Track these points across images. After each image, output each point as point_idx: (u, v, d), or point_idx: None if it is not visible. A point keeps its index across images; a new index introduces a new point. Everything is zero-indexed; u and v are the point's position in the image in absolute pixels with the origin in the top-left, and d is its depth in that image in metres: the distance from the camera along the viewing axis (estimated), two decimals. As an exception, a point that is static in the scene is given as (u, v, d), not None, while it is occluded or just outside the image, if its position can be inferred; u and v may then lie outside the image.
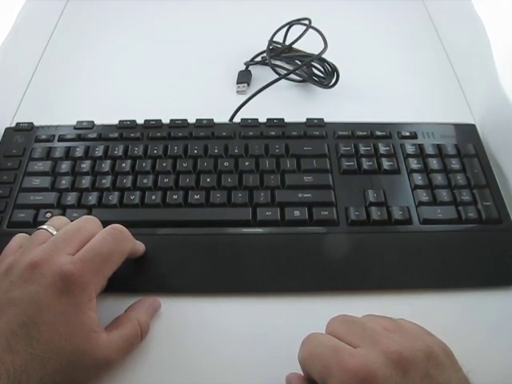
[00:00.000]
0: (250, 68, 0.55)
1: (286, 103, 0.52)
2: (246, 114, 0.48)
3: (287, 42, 0.54)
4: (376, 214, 0.40)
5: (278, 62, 0.54)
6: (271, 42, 0.54)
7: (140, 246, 0.37)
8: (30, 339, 0.27)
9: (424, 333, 0.29)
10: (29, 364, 0.27)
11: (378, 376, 0.25)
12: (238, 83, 0.53)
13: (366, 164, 0.43)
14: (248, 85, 0.53)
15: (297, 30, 0.53)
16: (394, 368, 0.26)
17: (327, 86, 0.51)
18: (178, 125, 0.46)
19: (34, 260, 0.30)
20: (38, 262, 0.30)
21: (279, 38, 0.55)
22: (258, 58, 0.56)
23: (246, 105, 0.48)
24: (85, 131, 0.46)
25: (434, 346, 0.28)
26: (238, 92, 0.53)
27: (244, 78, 0.53)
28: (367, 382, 0.25)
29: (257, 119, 0.46)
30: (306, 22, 0.52)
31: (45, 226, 0.34)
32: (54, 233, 0.33)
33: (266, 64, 0.54)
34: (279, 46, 0.55)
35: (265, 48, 0.54)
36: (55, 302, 0.29)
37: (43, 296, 0.29)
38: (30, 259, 0.30)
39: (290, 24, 0.54)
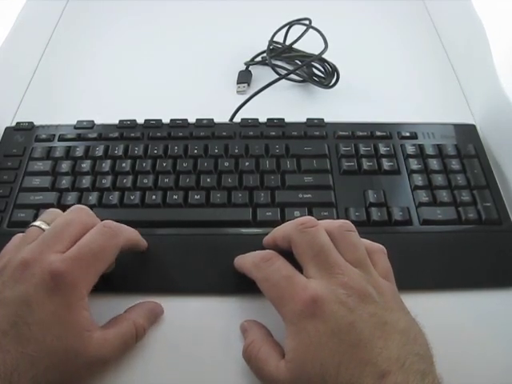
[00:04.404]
0: (250, 68, 0.55)
1: (286, 103, 0.52)
2: (245, 114, 0.48)
3: (287, 42, 0.54)
4: (376, 214, 0.40)
5: (278, 62, 0.54)
6: (271, 42, 0.54)
7: (139, 239, 0.36)
8: (21, 339, 0.27)
9: (385, 275, 0.32)
10: (20, 363, 0.27)
11: (325, 311, 0.28)
12: (238, 83, 0.53)
13: (366, 164, 0.43)
14: (248, 85, 0.53)
15: (297, 30, 0.53)
16: (343, 304, 0.28)
17: (327, 86, 0.51)
18: (178, 125, 0.46)
19: (24, 259, 0.30)
20: (27, 261, 0.30)
21: (279, 38, 0.55)
22: (258, 58, 0.56)
23: (246, 105, 0.48)
24: (85, 131, 0.46)
25: (386, 290, 0.30)
26: (238, 92, 0.53)
27: (244, 78, 0.53)
28: (316, 318, 0.28)
29: (257, 119, 0.46)
30: (306, 22, 0.52)
31: (37, 223, 0.33)
32: (47, 228, 0.32)
33: (266, 64, 0.54)
34: (279, 46, 0.55)
35: (265, 48, 0.54)
36: (46, 301, 0.28)
37: (33, 295, 0.28)
38: (20, 259, 0.30)
39: (290, 24, 0.54)
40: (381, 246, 0.33)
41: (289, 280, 0.30)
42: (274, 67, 0.52)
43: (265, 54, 0.54)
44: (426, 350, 0.28)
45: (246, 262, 0.34)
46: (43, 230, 0.33)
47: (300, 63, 0.52)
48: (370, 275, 0.30)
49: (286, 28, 0.54)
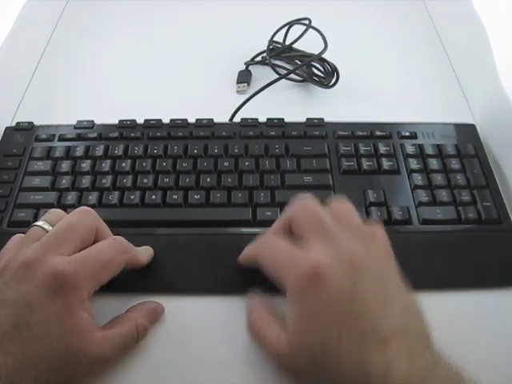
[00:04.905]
0: (250, 68, 0.55)
1: (286, 103, 0.52)
2: (245, 113, 0.48)
3: (287, 42, 0.54)
4: (376, 214, 0.40)
5: (278, 62, 0.54)
6: (271, 41, 0.54)
7: (142, 258, 0.36)
8: (22, 339, 0.27)
9: (383, 249, 0.32)
10: (21, 364, 0.27)
11: (327, 280, 0.28)
12: (237, 83, 0.53)
13: (365, 164, 0.43)
14: (248, 84, 0.53)
15: (297, 30, 0.53)
16: (345, 275, 0.28)
17: (327, 86, 0.51)
18: (178, 124, 0.46)
19: (27, 260, 0.30)
20: (30, 261, 0.30)
21: (279, 38, 0.55)
22: (258, 58, 0.56)
23: (246, 105, 0.48)
24: (85, 131, 0.46)
25: (385, 262, 0.31)
26: (238, 92, 0.53)
27: (244, 77, 0.53)
28: (318, 286, 0.28)
29: (257, 119, 0.46)
30: (306, 21, 0.52)
31: (39, 223, 0.33)
32: (49, 229, 0.33)
33: (266, 64, 0.54)
34: (279, 45, 0.55)
35: (265, 48, 0.54)
36: (47, 301, 0.28)
37: (35, 296, 0.28)
38: (23, 259, 0.30)
39: (290, 24, 0.54)
40: (378, 220, 0.33)
41: (290, 251, 0.31)
42: (273, 67, 0.52)
43: (265, 54, 0.54)
44: (425, 324, 0.29)
45: (248, 250, 0.35)
46: (45, 230, 0.33)
47: (300, 63, 0.52)
48: (370, 247, 0.31)
49: (286, 28, 0.54)
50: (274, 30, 0.55)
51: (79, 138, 0.45)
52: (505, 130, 0.44)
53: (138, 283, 0.37)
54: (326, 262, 0.29)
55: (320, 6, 0.61)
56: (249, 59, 0.55)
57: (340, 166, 0.43)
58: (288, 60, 0.54)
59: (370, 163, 0.43)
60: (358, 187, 0.42)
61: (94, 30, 0.61)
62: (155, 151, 0.44)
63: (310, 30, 0.51)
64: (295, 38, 0.52)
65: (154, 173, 0.42)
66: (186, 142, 0.45)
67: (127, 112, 0.47)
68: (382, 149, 0.44)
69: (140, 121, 0.47)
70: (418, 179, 0.42)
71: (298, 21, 0.53)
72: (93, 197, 0.41)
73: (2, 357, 0.27)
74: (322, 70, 0.52)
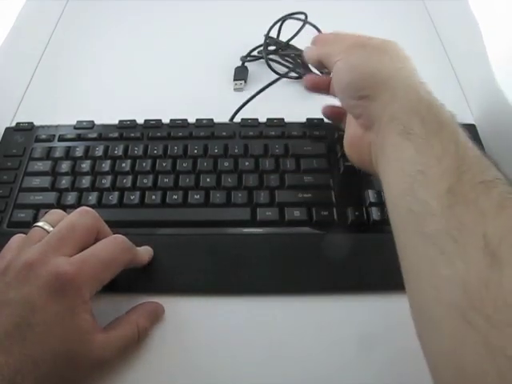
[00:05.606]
0: (246, 64, 0.55)
1: (285, 101, 0.51)
2: (245, 112, 0.48)
3: (282, 37, 0.53)
4: (376, 214, 0.40)
5: (274, 57, 0.53)
6: (267, 37, 0.54)
7: (143, 257, 0.36)
8: (24, 340, 0.27)
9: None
10: (23, 365, 0.27)
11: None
12: (234, 80, 0.53)
13: (365, 164, 0.43)
14: (245, 81, 0.53)
15: (294, 27, 0.53)
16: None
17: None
18: (178, 125, 0.46)
19: (29, 260, 0.30)
20: (32, 262, 0.30)
21: (275, 33, 0.54)
22: (254, 53, 0.55)
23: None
24: (85, 131, 0.46)
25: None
26: (235, 89, 0.52)
27: (241, 74, 0.53)
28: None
29: (257, 119, 0.46)
30: (301, 16, 0.52)
31: (40, 224, 0.33)
32: (50, 229, 0.33)
33: (262, 58, 0.53)
34: (276, 42, 0.54)
35: (260, 43, 0.54)
36: (49, 302, 0.28)
37: (37, 297, 0.28)
38: (25, 260, 0.30)
39: (285, 19, 0.53)
40: None
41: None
42: (270, 66, 0.51)
43: (261, 49, 0.54)
44: None
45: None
46: (46, 230, 0.33)
47: (297, 61, 0.52)
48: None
49: (280, 23, 0.53)
50: (269, 26, 0.54)
51: (79, 138, 0.45)
52: (504, 130, 0.44)
53: (138, 283, 0.37)
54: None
55: (319, 5, 0.60)
56: (244, 55, 0.55)
57: (340, 166, 0.43)
58: (284, 56, 0.54)
59: (370, 163, 0.43)
60: (358, 187, 0.42)
61: (94, 30, 0.61)
62: (155, 151, 0.44)
63: (309, 27, 0.51)
64: (292, 34, 0.52)
65: (153, 173, 0.42)
66: (186, 142, 0.45)
67: (127, 112, 0.47)
68: (382, 149, 0.44)
69: (140, 121, 0.47)
70: (418, 179, 0.42)
71: (291, 15, 0.52)
72: (93, 197, 0.41)
73: (3, 357, 0.27)
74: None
